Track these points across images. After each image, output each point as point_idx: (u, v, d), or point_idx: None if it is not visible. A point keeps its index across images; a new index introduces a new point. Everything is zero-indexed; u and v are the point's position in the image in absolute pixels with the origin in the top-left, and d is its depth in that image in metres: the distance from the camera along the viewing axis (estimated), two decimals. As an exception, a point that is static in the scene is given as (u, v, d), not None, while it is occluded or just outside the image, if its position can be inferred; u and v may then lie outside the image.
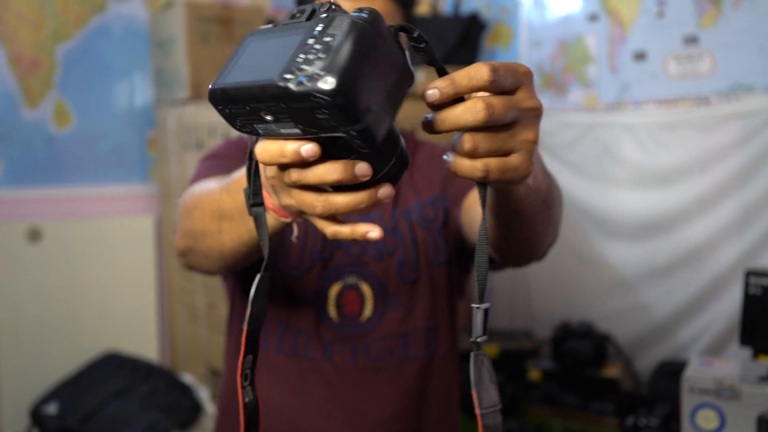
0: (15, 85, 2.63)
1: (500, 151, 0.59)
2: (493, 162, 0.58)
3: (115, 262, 2.71)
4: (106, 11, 2.77)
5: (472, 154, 0.58)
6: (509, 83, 0.57)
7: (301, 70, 0.51)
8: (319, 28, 0.53)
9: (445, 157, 0.60)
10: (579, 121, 2.53)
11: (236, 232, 0.83)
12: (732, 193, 2.21)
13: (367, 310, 1.16)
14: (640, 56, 2.40)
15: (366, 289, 1.16)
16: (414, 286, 1.18)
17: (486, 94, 0.56)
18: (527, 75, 0.59)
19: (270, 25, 0.59)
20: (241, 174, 0.80)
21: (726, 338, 2.22)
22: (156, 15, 2.80)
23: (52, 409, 2.33)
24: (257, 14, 2.76)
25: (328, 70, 0.49)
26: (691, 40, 2.28)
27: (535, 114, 0.60)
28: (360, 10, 0.54)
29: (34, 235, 2.57)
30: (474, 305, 0.60)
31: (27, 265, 2.56)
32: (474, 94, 0.57)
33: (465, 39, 2.68)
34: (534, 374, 2.31)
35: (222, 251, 0.88)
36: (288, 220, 0.72)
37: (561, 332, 2.30)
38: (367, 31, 0.52)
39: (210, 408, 2.35)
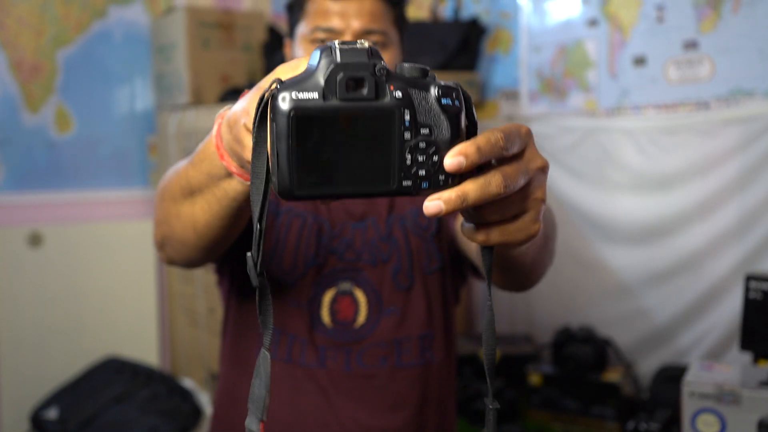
0: (16, 90, 2.63)
1: (512, 215, 0.59)
2: (506, 227, 0.59)
3: (116, 266, 2.70)
4: (107, 16, 2.78)
5: (487, 233, 0.59)
6: (517, 147, 0.58)
7: (415, 175, 0.54)
8: (407, 117, 0.54)
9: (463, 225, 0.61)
10: (579, 125, 2.52)
11: (207, 204, 0.82)
12: (732, 198, 2.20)
13: (361, 317, 1.15)
14: (639, 61, 2.40)
15: (360, 295, 1.15)
16: (408, 293, 1.17)
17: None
18: (529, 135, 0.60)
19: (315, 96, 0.54)
20: (203, 144, 0.79)
21: (726, 343, 2.21)
22: (157, 20, 2.80)
23: (52, 413, 2.33)
24: (258, 20, 2.76)
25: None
26: (691, 45, 2.28)
27: (543, 172, 0.61)
28: (425, 71, 0.57)
29: (35, 240, 2.57)
30: (488, 404, 0.61)
31: (28, 270, 2.56)
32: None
33: (465, 44, 2.68)
34: (534, 379, 2.30)
35: (196, 228, 0.87)
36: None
37: (561, 337, 2.30)
38: (459, 115, 0.57)
39: (210, 413, 2.34)
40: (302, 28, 1.17)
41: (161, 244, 0.97)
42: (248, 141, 0.63)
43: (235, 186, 0.75)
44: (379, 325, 1.16)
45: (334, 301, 1.15)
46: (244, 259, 1.14)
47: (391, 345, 1.16)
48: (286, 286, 1.14)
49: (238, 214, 0.83)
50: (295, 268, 1.14)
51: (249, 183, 0.71)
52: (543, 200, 0.61)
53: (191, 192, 0.83)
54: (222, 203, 0.80)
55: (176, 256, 0.96)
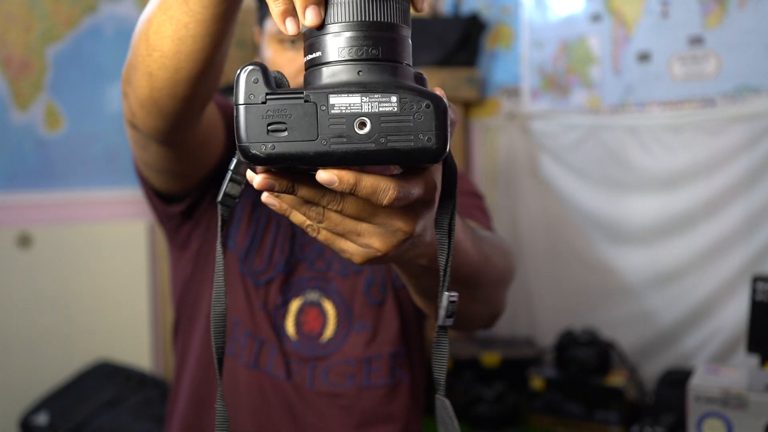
0: (4, 87, 2.59)
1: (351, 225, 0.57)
2: (339, 229, 0.57)
3: (108, 268, 2.67)
4: (98, 12, 2.73)
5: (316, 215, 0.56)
6: (398, 202, 0.56)
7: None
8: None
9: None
10: (582, 123, 2.50)
11: (175, 17, 0.74)
12: (738, 197, 2.18)
13: (329, 331, 1.09)
14: (644, 57, 2.36)
15: (329, 307, 1.09)
16: (380, 308, 1.11)
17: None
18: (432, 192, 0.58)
19: None
20: None
21: (733, 346, 2.19)
22: (149, 16, 2.76)
23: (42, 419, 2.31)
24: (252, 16, 2.71)
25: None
26: (696, 40, 2.25)
27: (425, 207, 0.58)
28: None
29: (24, 241, 2.53)
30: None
31: (16, 271, 2.52)
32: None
33: (465, 40, 2.64)
34: (537, 383, 2.28)
35: (165, 57, 0.77)
36: None
37: (564, 339, 2.28)
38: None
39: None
40: (270, 25, 1.11)
41: (125, 93, 0.87)
42: None
43: None
44: (348, 341, 1.09)
45: (300, 312, 1.08)
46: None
47: (359, 363, 1.09)
48: (255, 288, 1.08)
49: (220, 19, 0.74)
50: (265, 270, 1.08)
51: None
52: (407, 233, 0.57)
53: (164, 8, 0.75)
54: (196, 17, 0.73)
55: (140, 108, 0.85)
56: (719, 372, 1.65)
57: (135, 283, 2.72)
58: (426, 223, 0.59)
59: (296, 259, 1.09)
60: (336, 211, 0.56)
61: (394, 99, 0.51)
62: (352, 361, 1.09)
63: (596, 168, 2.47)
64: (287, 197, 0.56)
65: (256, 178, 0.55)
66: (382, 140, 0.51)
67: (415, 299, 0.83)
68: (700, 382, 1.56)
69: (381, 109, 0.51)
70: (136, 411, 2.29)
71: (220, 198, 0.59)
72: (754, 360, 1.73)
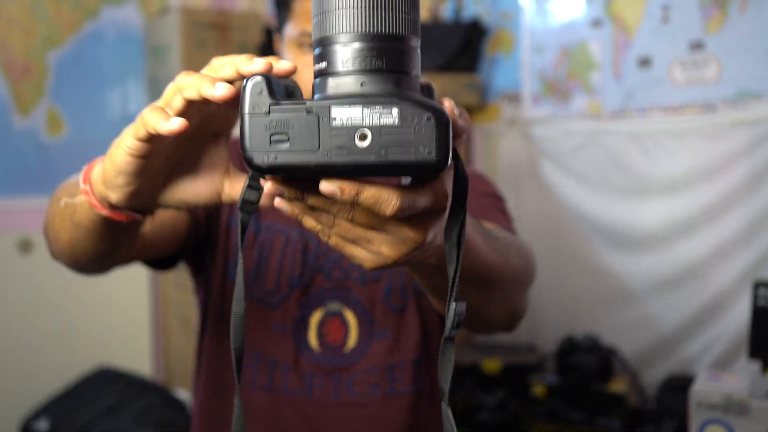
0: (6, 92, 2.59)
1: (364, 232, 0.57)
2: (350, 236, 0.58)
3: (108, 274, 2.66)
4: (99, 16, 2.73)
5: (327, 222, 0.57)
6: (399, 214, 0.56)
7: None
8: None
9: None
10: (583, 128, 2.50)
11: (69, 230, 0.77)
12: (739, 203, 2.18)
13: (351, 340, 1.08)
14: (644, 62, 2.36)
15: (350, 316, 1.08)
16: (401, 315, 1.10)
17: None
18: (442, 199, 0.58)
19: None
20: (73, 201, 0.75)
21: (734, 352, 2.18)
22: (150, 21, 2.76)
23: (42, 425, 2.30)
24: (253, 20, 2.72)
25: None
26: (697, 45, 2.25)
27: (434, 216, 0.58)
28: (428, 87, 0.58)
29: (25, 246, 2.53)
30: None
31: (17, 277, 2.52)
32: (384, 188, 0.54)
33: (466, 45, 2.65)
34: (538, 389, 2.27)
35: (66, 249, 0.81)
36: (117, 218, 0.68)
37: (566, 346, 2.28)
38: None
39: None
40: (290, 29, 1.11)
41: (44, 234, 0.90)
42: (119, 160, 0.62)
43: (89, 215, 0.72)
44: (371, 350, 1.08)
45: (322, 323, 1.08)
46: (222, 272, 1.09)
47: (383, 371, 1.09)
48: (269, 309, 1.08)
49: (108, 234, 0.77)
50: (279, 289, 1.07)
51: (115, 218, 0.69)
52: (417, 242, 0.58)
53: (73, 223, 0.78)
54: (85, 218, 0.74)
55: (61, 254, 0.88)
56: (721, 378, 1.65)
57: (136, 289, 2.72)
58: (437, 230, 0.59)
59: (312, 271, 1.08)
60: (346, 219, 0.56)
61: (395, 111, 0.51)
62: (376, 370, 1.09)
63: (597, 173, 2.46)
64: (298, 203, 0.57)
65: (266, 185, 0.56)
66: (383, 152, 0.51)
67: (431, 300, 0.83)
68: (702, 388, 1.55)
69: (382, 121, 0.51)
70: (137, 417, 2.29)
71: (239, 204, 0.60)
72: (755, 366, 1.73)
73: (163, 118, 0.57)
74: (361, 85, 0.53)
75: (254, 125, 0.52)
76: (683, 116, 2.29)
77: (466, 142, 2.78)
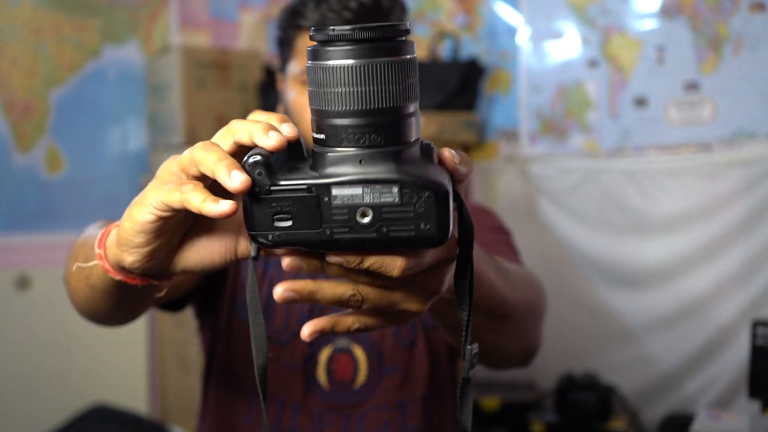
0: (7, 130, 2.60)
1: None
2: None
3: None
4: (101, 56, 2.76)
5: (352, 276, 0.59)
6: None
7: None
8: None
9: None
10: (580, 167, 2.51)
11: (84, 290, 0.76)
12: (737, 242, 2.18)
13: (361, 376, 1.08)
14: (640, 102, 2.38)
15: (359, 352, 1.08)
16: (411, 350, 1.10)
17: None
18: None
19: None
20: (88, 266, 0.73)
21: (734, 390, 2.17)
22: (151, 60, 2.79)
23: (37, 464, 2.27)
24: (253, 59, 2.75)
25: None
26: (692, 86, 2.27)
27: (444, 265, 0.60)
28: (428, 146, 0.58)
29: (23, 283, 2.52)
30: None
31: (14, 313, 2.51)
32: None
33: (464, 84, 2.67)
34: (537, 427, 2.25)
35: (83, 307, 0.80)
36: (130, 282, 0.66)
37: (564, 383, 2.26)
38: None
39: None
40: (292, 67, 1.11)
41: (65, 282, 0.89)
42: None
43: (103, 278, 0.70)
44: (381, 386, 1.08)
45: (330, 360, 1.07)
46: (229, 309, 1.09)
47: (394, 408, 1.08)
48: (278, 347, 1.07)
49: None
50: (288, 327, 1.07)
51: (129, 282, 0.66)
52: (437, 291, 0.60)
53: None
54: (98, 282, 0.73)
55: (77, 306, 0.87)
56: (720, 417, 1.64)
57: (132, 327, 2.69)
58: (450, 275, 0.60)
59: (321, 307, 1.06)
60: (366, 284, 0.57)
61: (394, 190, 0.52)
62: (386, 407, 1.08)
63: (595, 211, 2.47)
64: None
65: (284, 260, 0.57)
66: (384, 229, 0.52)
67: (444, 336, 0.83)
68: (702, 427, 1.55)
69: (382, 200, 0.52)
70: (132, 455, 2.26)
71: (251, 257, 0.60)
72: (755, 405, 1.72)
73: (211, 200, 0.53)
74: (360, 162, 0.53)
75: (256, 207, 0.53)
76: (679, 155, 2.30)
77: (464, 179, 2.79)
